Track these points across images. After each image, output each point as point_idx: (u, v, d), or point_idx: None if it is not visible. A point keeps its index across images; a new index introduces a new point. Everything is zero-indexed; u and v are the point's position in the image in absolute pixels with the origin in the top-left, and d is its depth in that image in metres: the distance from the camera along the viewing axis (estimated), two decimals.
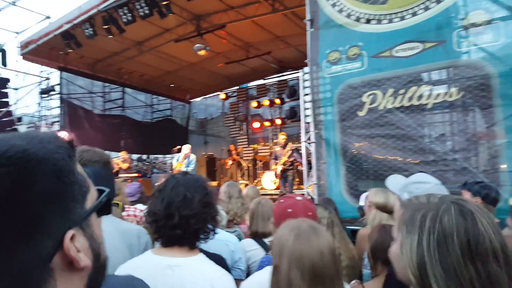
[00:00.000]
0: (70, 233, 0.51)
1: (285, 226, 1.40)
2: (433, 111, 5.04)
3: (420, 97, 4.96)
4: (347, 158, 5.44)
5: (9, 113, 11.30)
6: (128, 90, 13.97)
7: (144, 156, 16.21)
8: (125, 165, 10.84)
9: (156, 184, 9.12)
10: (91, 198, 0.58)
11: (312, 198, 5.99)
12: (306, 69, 5.90)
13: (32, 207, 0.48)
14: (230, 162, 13.07)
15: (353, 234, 3.85)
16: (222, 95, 15.55)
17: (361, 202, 3.92)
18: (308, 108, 5.83)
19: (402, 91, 5.02)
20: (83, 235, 0.55)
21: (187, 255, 1.51)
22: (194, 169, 9.30)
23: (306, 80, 5.85)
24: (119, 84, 13.57)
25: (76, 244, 0.52)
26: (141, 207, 3.62)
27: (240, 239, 2.91)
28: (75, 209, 0.53)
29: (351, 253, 2.54)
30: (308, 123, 5.94)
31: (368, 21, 5.24)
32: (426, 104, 4.93)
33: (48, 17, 11.18)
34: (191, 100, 16.52)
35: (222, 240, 2.39)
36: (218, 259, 1.91)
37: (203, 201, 1.58)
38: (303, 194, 7.14)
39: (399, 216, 1.05)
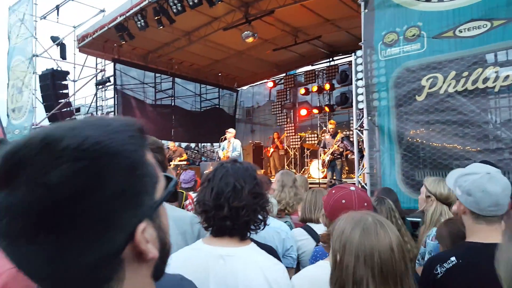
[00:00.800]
0: (142, 226, 0.51)
1: (346, 220, 1.31)
2: (500, 95, 4.64)
3: (485, 80, 4.57)
4: (403, 146, 5.17)
5: (68, 104, 11.95)
6: (177, 80, 14.27)
7: (192, 145, 16.58)
8: (184, 157, 11.21)
9: (205, 172, 9.28)
10: (160, 188, 0.57)
11: (363, 188, 5.77)
12: (359, 52, 5.63)
13: (108, 203, 0.47)
14: (271, 150, 13.01)
15: (412, 226, 3.64)
16: (269, 83, 15.45)
17: None
18: (361, 94, 5.57)
19: (465, 73, 4.65)
20: (152, 226, 0.54)
21: (239, 245, 1.48)
22: (240, 154, 9.31)
23: (359, 64, 5.59)
24: (170, 75, 13.89)
25: (146, 236, 0.52)
26: (194, 195, 3.67)
27: (291, 228, 2.83)
28: (146, 201, 0.53)
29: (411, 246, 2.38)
30: (361, 109, 5.69)
31: None
32: (492, 88, 4.54)
33: (102, 11, 11.62)
34: (238, 89, 16.58)
35: (273, 228, 2.33)
36: (269, 249, 1.85)
37: (252, 192, 1.52)
38: (353, 183, 6.94)
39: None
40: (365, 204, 1.63)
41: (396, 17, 5.16)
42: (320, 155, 9.72)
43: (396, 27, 5.14)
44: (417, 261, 2.53)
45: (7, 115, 12.02)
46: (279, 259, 1.92)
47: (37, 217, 0.43)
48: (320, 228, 2.78)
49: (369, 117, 5.39)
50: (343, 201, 1.63)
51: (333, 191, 1.72)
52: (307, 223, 2.82)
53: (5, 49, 12.13)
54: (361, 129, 5.60)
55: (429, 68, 4.88)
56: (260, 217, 1.58)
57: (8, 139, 10.81)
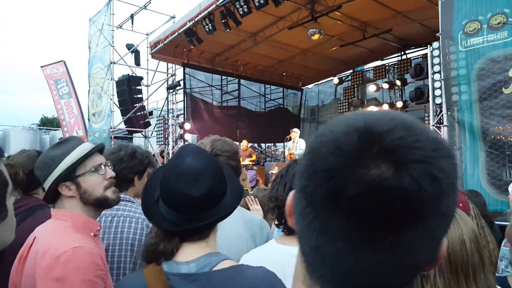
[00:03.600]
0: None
1: None
2: None
3: None
4: (488, 143, 4.74)
5: (142, 108, 12.68)
6: (242, 81, 14.51)
7: (256, 145, 16.74)
8: (253, 157, 11.42)
9: (269, 172, 9.28)
10: None
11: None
12: (435, 44, 5.28)
13: (454, 202, 0.45)
14: None
15: (501, 230, 3.31)
16: (335, 80, 15.08)
17: None
18: (438, 88, 5.21)
19: None
20: None
21: None
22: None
23: (436, 56, 5.23)
24: (235, 76, 14.19)
25: None
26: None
27: None
28: None
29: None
30: (438, 104, 5.32)
31: None
32: None
33: (173, 17, 12.16)
34: (303, 88, 16.43)
35: None
36: None
37: None
38: None
39: None
40: (460, 204, 1.49)
41: (479, 4, 4.75)
42: None
43: (479, 15, 4.73)
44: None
45: (88, 119, 13.05)
46: None
47: (416, 204, 0.41)
48: None
49: (449, 113, 5.02)
50: None
51: None
52: None
53: (87, 58, 13.17)
54: (440, 125, 5.23)
55: None
56: None
57: (89, 141, 11.68)
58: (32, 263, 1.23)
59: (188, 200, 1.02)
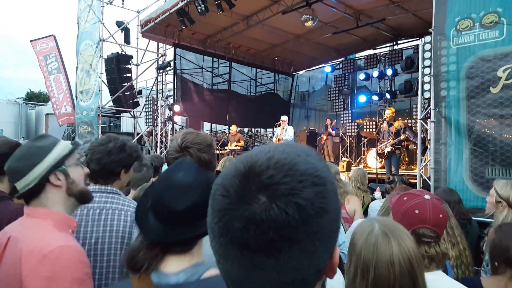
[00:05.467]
0: (338, 250, 0.59)
1: (363, 223, 1.28)
2: None
3: None
4: (473, 141, 4.82)
5: (131, 87, 12.48)
6: (234, 64, 14.35)
7: (246, 129, 16.72)
8: (241, 143, 11.40)
9: None
10: None
11: (426, 182, 5.50)
12: (427, 38, 5.27)
13: (331, 223, 0.54)
14: (324, 137, 12.75)
15: (481, 226, 3.40)
16: (327, 67, 15.04)
17: None
18: (427, 82, 5.24)
19: None
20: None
21: None
22: (293, 139, 9.34)
23: (427, 50, 5.23)
24: (227, 59, 14.02)
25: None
26: None
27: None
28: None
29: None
30: (427, 99, 5.36)
31: None
32: None
33: None
34: (294, 74, 16.36)
35: None
36: None
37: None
38: (415, 175, 6.61)
39: None
40: (441, 215, 1.52)
41: (472, 2, 4.74)
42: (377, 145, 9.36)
43: (472, 13, 4.73)
44: (482, 268, 2.40)
45: (76, 96, 12.80)
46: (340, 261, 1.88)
47: (286, 231, 0.50)
48: None
49: (437, 109, 5.06)
50: (416, 211, 1.51)
51: (405, 198, 1.60)
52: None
53: (75, 34, 12.82)
54: (427, 120, 5.29)
55: (508, 58, 4.46)
56: None
57: (76, 119, 11.47)
58: (13, 263, 1.21)
59: (171, 212, 1.04)
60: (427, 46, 5.30)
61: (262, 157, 0.54)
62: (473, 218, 3.38)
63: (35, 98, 35.46)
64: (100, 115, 11.42)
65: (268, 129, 16.31)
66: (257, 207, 0.50)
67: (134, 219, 1.17)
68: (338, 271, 1.41)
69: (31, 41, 14.35)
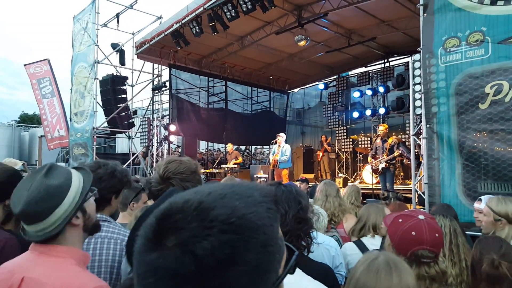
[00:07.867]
0: None
1: (369, 252, 1.32)
2: None
3: None
4: (464, 156, 4.89)
5: (126, 108, 12.52)
6: (230, 83, 14.50)
7: (242, 147, 16.76)
8: (239, 160, 11.45)
9: (254, 175, 9.33)
10: (283, 261, 0.57)
11: (420, 197, 5.55)
12: (417, 56, 5.41)
13: (240, 278, 0.48)
14: (321, 154, 12.83)
15: (473, 240, 3.44)
16: (321, 85, 15.26)
17: None
18: (418, 99, 5.35)
19: None
20: None
21: None
22: (289, 160, 9.38)
23: (417, 68, 5.36)
24: (222, 78, 14.17)
25: None
26: None
27: (339, 243, 2.82)
28: (271, 279, 0.53)
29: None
30: (418, 115, 5.46)
31: (493, 2, 4.56)
32: None
33: (160, 18, 12.06)
34: (289, 91, 16.55)
35: (323, 245, 2.32)
36: (326, 269, 1.84)
37: (296, 217, 1.50)
38: (410, 190, 6.65)
39: None
40: (437, 235, 1.55)
41: (458, 21, 4.89)
42: (369, 160, 9.42)
43: (458, 32, 4.87)
44: None
45: (70, 118, 12.78)
46: (335, 278, 1.90)
47: (181, 282, 0.47)
48: (373, 243, 2.74)
49: (428, 125, 5.16)
50: (413, 233, 1.54)
51: (400, 220, 1.62)
52: (360, 239, 2.80)
53: (70, 56, 12.92)
54: (419, 136, 5.38)
55: (494, 75, 4.58)
56: (303, 243, 1.55)
57: (70, 141, 11.34)
58: None
59: None
60: (417, 64, 5.44)
61: (185, 199, 0.52)
62: (467, 233, 3.42)
63: (29, 120, 35.43)
64: (95, 137, 11.43)
65: (264, 146, 16.37)
66: (158, 253, 0.49)
67: (125, 253, 1.14)
68: None
69: (25, 65, 14.41)
